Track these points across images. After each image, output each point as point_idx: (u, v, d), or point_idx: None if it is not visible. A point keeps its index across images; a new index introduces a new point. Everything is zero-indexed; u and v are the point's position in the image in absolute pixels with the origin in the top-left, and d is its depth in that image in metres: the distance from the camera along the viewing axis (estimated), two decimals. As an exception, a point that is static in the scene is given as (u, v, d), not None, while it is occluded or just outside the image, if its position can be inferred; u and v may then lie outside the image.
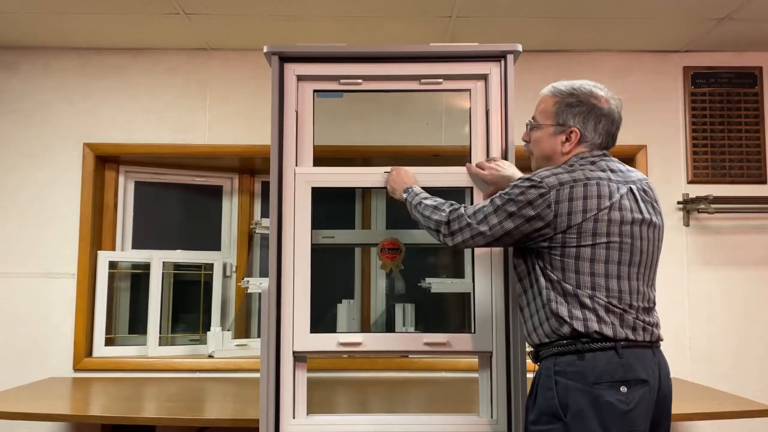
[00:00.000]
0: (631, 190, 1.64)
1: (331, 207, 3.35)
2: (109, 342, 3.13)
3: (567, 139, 1.69)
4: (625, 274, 1.60)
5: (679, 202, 3.09)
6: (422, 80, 2.00)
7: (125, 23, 2.86)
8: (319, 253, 1.97)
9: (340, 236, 2.08)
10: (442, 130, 3.10)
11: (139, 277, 3.25)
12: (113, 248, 3.20)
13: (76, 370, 3.00)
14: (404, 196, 1.87)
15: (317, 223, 1.97)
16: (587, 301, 1.58)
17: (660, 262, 1.71)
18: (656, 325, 1.65)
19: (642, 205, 1.64)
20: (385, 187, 1.96)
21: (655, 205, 1.69)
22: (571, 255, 1.59)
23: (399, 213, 1.90)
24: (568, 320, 1.58)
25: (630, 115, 3.11)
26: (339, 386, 2.82)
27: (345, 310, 3.07)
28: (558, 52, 3.18)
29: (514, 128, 1.93)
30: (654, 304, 1.68)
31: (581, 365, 1.56)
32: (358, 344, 1.91)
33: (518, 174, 1.85)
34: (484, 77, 1.98)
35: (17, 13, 2.77)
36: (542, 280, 1.64)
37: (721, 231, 3.10)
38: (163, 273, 3.18)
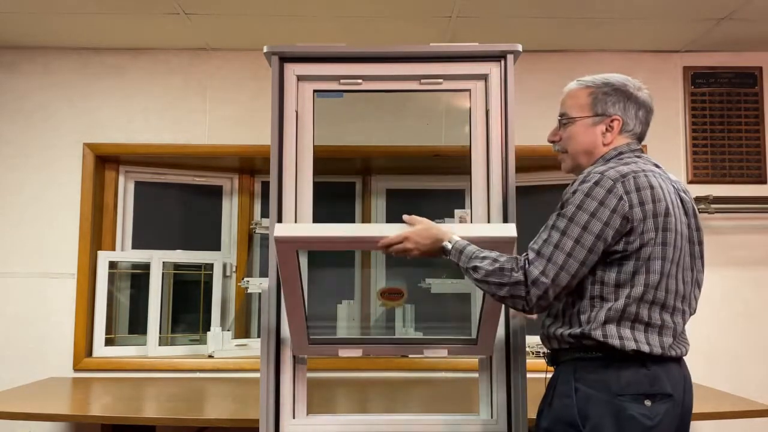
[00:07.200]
0: (676, 190, 1.57)
1: (331, 207, 3.34)
2: (109, 342, 3.13)
3: (608, 129, 1.60)
4: (677, 278, 1.51)
5: (679, 202, 3.09)
6: (422, 80, 1.99)
7: (125, 23, 2.86)
8: (319, 253, 1.97)
9: (340, 236, 2.07)
10: (442, 130, 3.09)
11: (139, 277, 3.25)
12: (113, 248, 3.20)
13: (76, 370, 3.00)
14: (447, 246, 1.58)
15: (317, 223, 1.97)
16: (635, 308, 1.47)
17: None
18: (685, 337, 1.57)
19: (684, 210, 1.57)
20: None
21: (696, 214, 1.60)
22: (632, 257, 1.46)
23: (399, 214, 1.88)
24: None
25: (630, 115, 3.16)
26: (339, 386, 2.82)
27: (345, 310, 3.07)
28: (558, 52, 3.18)
29: (514, 128, 1.93)
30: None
31: (605, 374, 1.46)
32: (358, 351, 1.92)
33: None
34: (484, 77, 1.97)
35: (17, 13, 2.77)
36: (586, 282, 1.49)
37: (721, 231, 3.10)
38: (163, 273, 3.18)
